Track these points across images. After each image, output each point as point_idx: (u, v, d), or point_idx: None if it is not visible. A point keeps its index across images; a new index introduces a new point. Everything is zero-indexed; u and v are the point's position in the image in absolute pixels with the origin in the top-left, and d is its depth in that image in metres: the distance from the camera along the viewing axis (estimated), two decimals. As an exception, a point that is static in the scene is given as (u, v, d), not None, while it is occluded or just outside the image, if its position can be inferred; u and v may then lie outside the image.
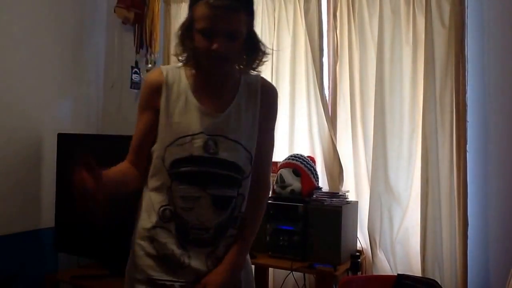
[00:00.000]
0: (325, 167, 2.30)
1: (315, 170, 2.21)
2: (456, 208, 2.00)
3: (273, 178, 2.25)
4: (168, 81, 1.17)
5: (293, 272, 2.04)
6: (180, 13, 2.72)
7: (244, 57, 1.18)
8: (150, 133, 1.19)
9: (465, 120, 2.01)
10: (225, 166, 1.16)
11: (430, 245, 2.01)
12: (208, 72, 1.18)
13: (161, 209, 1.16)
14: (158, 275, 1.15)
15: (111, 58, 2.84)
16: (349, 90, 2.29)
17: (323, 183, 2.28)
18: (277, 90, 2.39)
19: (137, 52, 2.76)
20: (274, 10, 2.48)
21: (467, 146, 2.00)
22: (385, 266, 2.11)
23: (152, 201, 1.18)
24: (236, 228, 1.20)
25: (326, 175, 2.29)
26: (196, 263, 1.15)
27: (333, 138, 2.27)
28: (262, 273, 2.24)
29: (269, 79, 2.44)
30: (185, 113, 1.16)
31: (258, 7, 2.52)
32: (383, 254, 2.13)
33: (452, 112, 2.05)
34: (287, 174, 2.16)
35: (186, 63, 1.18)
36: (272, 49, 2.37)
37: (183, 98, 1.17)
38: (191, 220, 1.14)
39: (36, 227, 2.43)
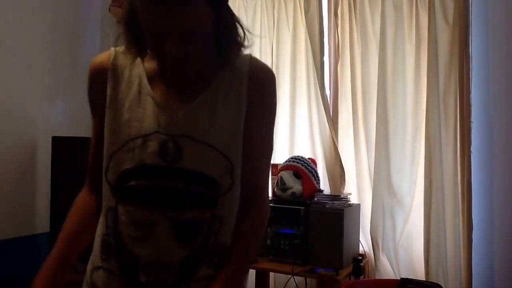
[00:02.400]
0: (327, 169, 2.26)
1: (316, 172, 2.17)
2: (460, 211, 1.97)
3: (273, 180, 2.22)
4: (117, 65, 0.87)
5: (294, 276, 2.01)
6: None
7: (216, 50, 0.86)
8: (103, 141, 0.89)
9: (469, 120, 1.98)
10: (191, 179, 0.82)
11: (433, 249, 1.98)
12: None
13: (102, 240, 0.86)
14: None
15: (107, 58, 2.79)
16: (351, 90, 2.25)
17: (325, 186, 2.24)
18: (277, 89, 2.42)
19: (133, 51, 2.70)
20: (274, 7, 2.44)
21: (471, 147, 1.96)
22: (388, 270, 2.08)
23: (97, 230, 0.89)
24: (213, 266, 0.84)
25: (328, 178, 2.26)
26: None
27: (335, 140, 2.23)
28: (263, 277, 2.21)
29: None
30: (137, 106, 0.84)
31: (257, 4, 2.48)
32: (386, 257, 2.10)
33: (456, 112, 2.01)
34: (287, 176, 2.12)
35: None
36: (272, 52, 2.35)
37: (135, 87, 0.86)
38: (143, 256, 0.81)
39: (31, 233, 2.39)
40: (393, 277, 2.03)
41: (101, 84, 0.88)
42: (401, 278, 1.90)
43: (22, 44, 2.38)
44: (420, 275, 2.02)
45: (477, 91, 2.02)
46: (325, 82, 2.30)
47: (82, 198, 0.95)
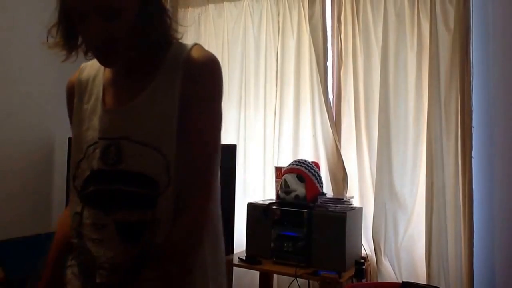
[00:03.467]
0: (329, 172, 2.29)
1: (319, 175, 2.20)
2: (461, 215, 1.98)
3: (277, 183, 2.26)
4: (82, 79, 0.92)
5: (297, 278, 2.03)
6: (187, 18, 2.73)
7: (146, 32, 0.83)
8: None
9: (470, 126, 2.00)
10: (130, 180, 0.82)
11: (435, 252, 2.00)
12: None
13: (71, 242, 0.90)
14: None
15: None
16: (353, 95, 2.28)
17: (327, 189, 2.27)
18: (277, 93, 2.49)
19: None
20: (279, 14, 2.49)
21: (473, 151, 1.98)
22: (390, 273, 2.09)
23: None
24: (154, 269, 0.81)
25: (330, 181, 2.28)
26: None
27: (337, 143, 2.26)
28: (266, 279, 2.23)
29: (273, 84, 2.49)
30: (94, 115, 0.87)
31: (262, 11, 2.53)
32: (388, 261, 2.11)
33: (457, 117, 2.03)
34: (291, 179, 2.15)
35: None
36: (277, 58, 2.38)
37: (94, 97, 0.89)
38: (99, 257, 0.83)
39: (48, 230, 2.45)
40: (395, 280, 2.04)
41: (69, 101, 0.95)
42: (403, 282, 1.91)
43: (40, 48, 2.44)
44: (422, 278, 2.03)
45: (478, 97, 2.04)
46: (328, 87, 2.33)
47: (65, 213, 0.99)
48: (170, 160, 0.82)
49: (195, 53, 0.85)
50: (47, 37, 0.87)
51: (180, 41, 0.88)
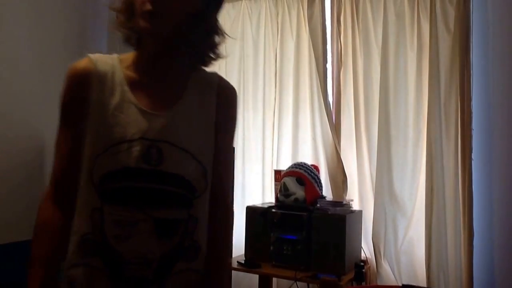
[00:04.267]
0: (329, 175, 2.28)
1: (318, 178, 2.19)
2: (461, 217, 1.98)
3: (276, 186, 2.25)
4: (99, 71, 0.90)
5: (297, 282, 2.03)
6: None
7: (190, 36, 0.90)
8: (79, 151, 0.89)
9: (470, 128, 1.99)
10: (171, 181, 0.88)
11: (435, 255, 2.00)
12: (143, 45, 0.92)
13: (82, 239, 0.88)
14: None
15: (114, 64, 2.83)
16: (353, 97, 2.27)
17: (327, 192, 2.26)
18: (276, 95, 2.47)
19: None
20: (278, 15, 2.47)
21: (472, 154, 1.97)
22: (390, 276, 2.09)
23: (73, 229, 0.90)
24: (188, 261, 0.91)
25: (330, 184, 2.27)
26: None
27: (337, 146, 2.25)
28: (265, 282, 2.23)
29: (272, 86, 2.47)
30: (120, 112, 0.88)
31: (261, 12, 2.51)
32: (387, 264, 2.11)
33: (457, 119, 2.03)
34: (290, 182, 2.14)
35: (127, 37, 0.92)
36: (276, 60, 2.38)
37: (118, 93, 0.89)
38: (127, 253, 0.86)
39: None
40: (395, 283, 2.05)
41: (82, 90, 0.89)
42: (403, 285, 1.91)
43: (31, 49, 2.42)
44: (422, 281, 2.03)
45: (478, 99, 2.03)
46: (328, 89, 2.32)
47: (49, 214, 0.92)
48: (207, 168, 0.93)
49: (226, 82, 1.00)
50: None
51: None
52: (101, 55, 0.94)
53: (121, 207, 0.86)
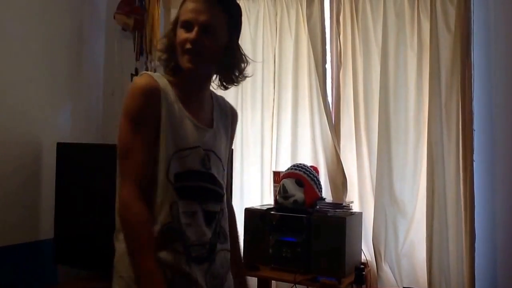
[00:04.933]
0: (329, 177, 2.26)
1: (318, 180, 2.17)
2: (463, 219, 1.96)
3: (275, 188, 2.23)
4: (162, 87, 1.11)
5: (296, 285, 2.01)
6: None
7: (223, 64, 1.16)
8: (152, 155, 1.08)
9: (471, 129, 1.97)
10: (214, 182, 1.17)
11: (436, 258, 1.97)
12: (185, 73, 1.14)
13: (165, 227, 1.08)
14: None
15: (111, 65, 2.81)
16: (353, 97, 2.25)
17: (327, 194, 2.24)
18: (275, 95, 2.46)
19: (137, 59, 2.72)
20: (276, 15, 2.44)
21: (474, 155, 1.95)
22: (391, 279, 2.07)
23: (155, 220, 1.08)
24: (222, 243, 1.19)
25: (330, 186, 2.25)
26: (200, 280, 1.11)
27: (337, 148, 2.23)
28: (265, 285, 2.20)
29: (271, 86, 2.45)
30: (181, 124, 1.12)
31: (259, 11, 2.48)
32: (388, 266, 2.09)
33: (458, 120, 2.00)
34: (289, 184, 2.12)
35: (166, 65, 1.17)
36: (274, 60, 2.38)
37: (176, 108, 1.12)
38: (191, 237, 1.10)
39: (35, 239, 2.40)
40: (395, 286, 2.03)
41: (156, 102, 1.09)
42: None
43: (27, 52, 2.40)
44: (423, 284, 2.01)
45: (479, 99, 2.01)
46: (327, 90, 2.30)
47: (140, 209, 1.06)
48: (226, 171, 1.24)
49: (230, 104, 1.32)
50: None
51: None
52: (153, 73, 1.15)
53: (188, 201, 1.11)
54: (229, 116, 1.27)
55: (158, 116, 1.08)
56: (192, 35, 1.09)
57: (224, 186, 1.21)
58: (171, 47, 1.14)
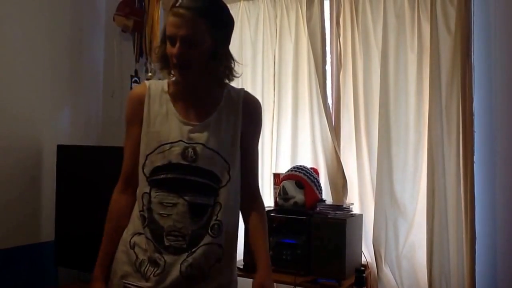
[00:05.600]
0: (329, 179, 2.26)
1: (318, 182, 2.17)
2: (463, 221, 1.95)
3: (275, 190, 2.22)
4: (151, 92, 1.24)
5: (297, 287, 2.00)
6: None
7: (215, 68, 1.21)
8: (138, 152, 1.23)
9: (472, 130, 1.96)
10: (202, 174, 1.18)
11: (436, 260, 1.97)
12: (178, 81, 1.24)
13: (137, 215, 1.21)
14: (133, 280, 1.19)
15: (111, 67, 2.81)
16: (353, 99, 2.25)
17: (327, 196, 2.24)
18: (275, 97, 2.45)
19: (137, 60, 2.73)
20: (276, 16, 2.44)
21: (474, 156, 1.95)
22: (391, 281, 2.07)
23: (134, 209, 1.24)
24: (214, 237, 1.19)
25: (330, 187, 2.25)
26: (171, 269, 1.15)
27: (337, 149, 2.22)
28: None
29: (271, 88, 2.45)
30: (166, 122, 1.21)
31: (259, 13, 2.48)
32: (388, 268, 2.08)
33: (458, 121, 2.00)
34: (290, 186, 2.12)
35: (161, 70, 1.26)
36: (274, 61, 2.38)
37: (164, 108, 1.22)
38: (167, 227, 1.16)
39: (36, 241, 2.41)
40: (396, 288, 2.02)
41: (138, 108, 1.24)
42: (404, 289, 1.89)
43: (27, 53, 2.41)
44: (423, 286, 2.01)
45: (479, 100, 2.00)
46: (327, 91, 2.29)
47: (116, 200, 1.26)
48: (230, 165, 1.21)
49: (249, 95, 1.30)
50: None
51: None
52: (154, 80, 1.34)
53: (164, 192, 1.17)
54: (239, 107, 1.25)
55: (141, 119, 1.23)
56: (175, 50, 1.14)
57: (225, 179, 1.20)
58: (164, 57, 1.21)
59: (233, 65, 1.23)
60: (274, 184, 2.28)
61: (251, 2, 2.50)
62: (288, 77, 2.40)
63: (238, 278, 2.10)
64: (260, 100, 2.43)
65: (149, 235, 1.17)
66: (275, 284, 2.23)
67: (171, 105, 1.23)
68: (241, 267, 2.07)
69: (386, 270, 2.08)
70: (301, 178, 2.12)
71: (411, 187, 2.10)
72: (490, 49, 2.03)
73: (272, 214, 2.08)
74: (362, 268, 2.02)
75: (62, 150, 2.34)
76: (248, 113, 1.26)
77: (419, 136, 2.11)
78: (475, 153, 1.95)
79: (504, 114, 2.00)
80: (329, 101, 2.30)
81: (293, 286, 2.00)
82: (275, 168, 2.38)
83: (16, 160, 2.35)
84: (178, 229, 1.15)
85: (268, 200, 2.37)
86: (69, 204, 2.30)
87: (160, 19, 2.69)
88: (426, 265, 1.99)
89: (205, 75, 1.22)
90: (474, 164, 1.94)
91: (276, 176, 2.28)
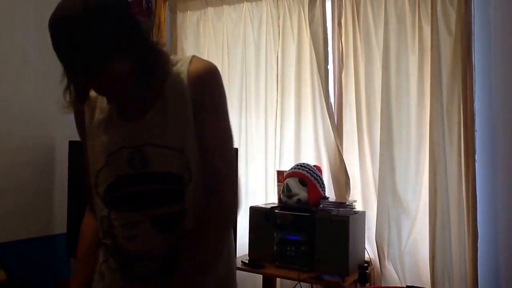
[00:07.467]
0: (332, 176, 2.28)
1: (321, 179, 2.19)
2: (465, 219, 1.97)
3: (279, 187, 2.25)
4: (91, 98, 0.99)
5: (301, 282, 2.02)
6: (186, 22, 2.73)
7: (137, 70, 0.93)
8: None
9: (473, 129, 1.99)
10: (158, 180, 0.94)
11: (439, 256, 1.98)
12: None
13: (100, 243, 1.02)
14: None
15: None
16: (355, 98, 2.27)
17: (330, 193, 2.26)
18: (278, 97, 2.47)
19: (143, 61, 2.76)
20: (279, 18, 2.48)
21: (476, 155, 1.97)
22: (394, 277, 2.08)
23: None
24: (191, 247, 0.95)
25: (333, 185, 2.27)
26: None
27: (339, 147, 2.25)
28: (269, 283, 2.22)
29: (274, 88, 2.48)
30: (110, 127, 0.98)
31: (262, 15, 2.53)
32: (391, 265, 2.10)
33: (459, 121, 2.02)
34: (293, 183, 2.14)
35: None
36: (277, 62, 2.39)
37: (107, 111, 0.99)
38: (134, 251, 0.95)
39: (49, 233, 2.45)
40: (399, 285, 2.03)
41: (82, 118, 1.04)
42: (407, 286, 1.91)
43: (40, 51, 2.45)
44: (426, 283, 2.02)
45: (480, 100, 2.03)
46: (330, 91, 2.32)
47: (86, 224, 1.09)
48: (189, 157, 0.94)
49: (195, 66, 0.97)
50: (64, 98, 0.97)
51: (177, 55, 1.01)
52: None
53: (123, 212, 0.96)
54: (184, 83, 0.94)
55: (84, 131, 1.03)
56: (87, 85, 0.94)
57: (188, 176, 0.94)
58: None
59: (165, 62, 0.94)
60: (278, 181, 2.31)
61: (254, 3, 2.55)
62: (291, 77, 2.43)
63: (243, 273, 2.15)
64: (264, 100, 2.52)
65: (114, 265, 0.97)
66: (279, 279, 2.27)
67: (114, 109, 0.99)
68: (246, 261, 2.10)
69: (389, 267, 2.10)
70: (304, 175, 2.14)
71: (413, 185, 2.12)
72: (490, 49, 2.05)
73: (277, 211, 2.11)
74: (365, 265, 2.04)
75: (74, 146, 2.38)
76: (196, 84, 0.95)
77: (421, 135, 2.13)
78: (476, 152, 1.97)
79: (504, 114, 2.02)
80: (332, 100, 2.33)
81: (297, 282, 2.03)
82: (278, 165, 2.41)
83: (30, 156, 2.42)
84: (148, 251, 0.94)
85: (272, 197, 2.40)
86: (81, 198, 2.33)
87: (167, 20, 2.73)
88: (428, 261, 2.01)
89: (133, 85, 0.93)
90: (475, 163, 1.96)
91: (279, 173, 2.31)
